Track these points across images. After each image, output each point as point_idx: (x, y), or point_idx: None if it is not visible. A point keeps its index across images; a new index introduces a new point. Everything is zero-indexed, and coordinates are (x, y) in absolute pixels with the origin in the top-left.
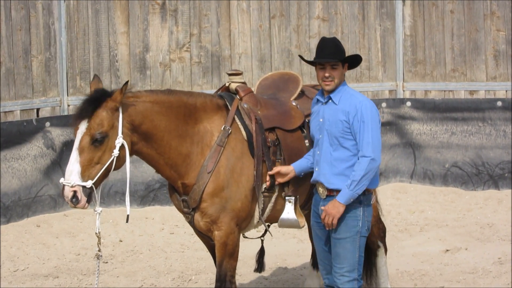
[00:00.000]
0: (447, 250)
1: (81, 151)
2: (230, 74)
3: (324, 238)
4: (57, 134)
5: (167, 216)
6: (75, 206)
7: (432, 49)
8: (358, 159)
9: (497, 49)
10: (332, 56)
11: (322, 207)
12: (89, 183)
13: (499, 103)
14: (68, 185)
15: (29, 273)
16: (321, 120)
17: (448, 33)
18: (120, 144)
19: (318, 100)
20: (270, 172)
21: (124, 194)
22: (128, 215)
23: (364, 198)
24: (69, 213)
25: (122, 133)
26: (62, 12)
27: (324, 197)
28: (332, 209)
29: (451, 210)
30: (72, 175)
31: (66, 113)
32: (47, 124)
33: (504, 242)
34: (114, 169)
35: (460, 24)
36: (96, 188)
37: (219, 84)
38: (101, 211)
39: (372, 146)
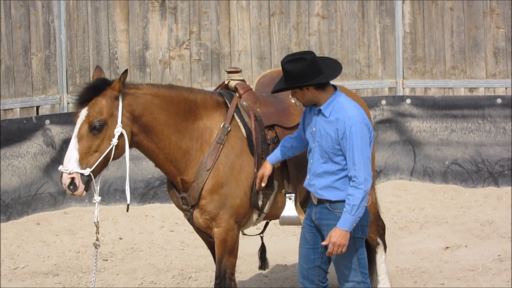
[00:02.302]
0: (447, 248)
1: (80, 138)
2: (229, 72)
3: (311, 243)
4: (57, 132)
5: (167, 214)
6: (72, 193)
7: (432, 46)
8: (351, 179)
9: (497, 46)
10: (279, 85)
11: (328, 240)
12: (87, 171)
13: (499, 100)
14: (66, 172)
15: (29, 271)
16: (314, 129)
17: (448, 30)
18: (119, 133)
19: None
20: (262, 184)
21: (124, 191)
22: (128, 205)
23: None
24: (69, 211)
25: (122, 123)
26: (61, 10)
27: (316, 203)
28: (341, 239)
29: (451, 207)
30: (70, 162)
31: (66, 111)
32: (47, 122)
33: (504, 239)
34: (113, 159)
35: (460, 21)
36: (94, 177)
37: (218, 82)
38: (99, 200)
39: (364, 166)
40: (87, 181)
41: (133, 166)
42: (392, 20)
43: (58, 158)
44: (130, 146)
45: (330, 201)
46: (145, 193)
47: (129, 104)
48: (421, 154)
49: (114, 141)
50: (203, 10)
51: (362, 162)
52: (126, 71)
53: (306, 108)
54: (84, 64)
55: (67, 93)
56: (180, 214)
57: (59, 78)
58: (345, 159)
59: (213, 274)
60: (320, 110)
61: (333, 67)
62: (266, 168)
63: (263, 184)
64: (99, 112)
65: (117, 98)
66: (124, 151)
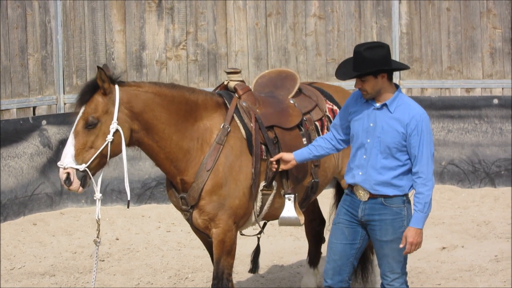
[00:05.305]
0: (444, 248)
1: (76, 134)
2: (228, 73)
3: (350, 238)
4: (54, 132)
5: (164, 214)
6: (68, 188)
7: (429, 46)
8: (415, 174)
9: (494, 47)
10: (353, 69)
11: (404, 242)
12: (82, 167)
13: (496, 101)
14: (61, 167)
15: (25, 272)
16: (371, 124)
17: (445, 30)
18: (114, 129)
19: (366, 100)
20: (272, 159)
21: (120, 192)
22: (128, 201)
23: (407, 198)
24: (65, 212)
25: (119, 119)
26: (58, 10)
27: (366, 199)
28: (417, 238)
29: (447, 207)
30: (66, 157)
31: (62, 111)
32: (44, 122)
33: (501, 239)
34: (110, 156)
35: (457, 21)
36: (93, 174)
37: (215, 82)
38: (101, 196)
39: (431, 162)
40: (84, 176)
41: (129, 166)
42: (388, 21)
43: (55, 158)
44: (131, 144)
45: (385, 196)
46: (141, 194)
47: (128, 101)
48: None
49: (109, 137)
50: (199, 10)
51: (430, 158)
52: (98, 67)
53: (348, 105)
54: (81, 64)
55: (64, 93)
56: (177, 214)
57: (56, 79)
58: (406, 154)
59: (210, 275)
60: (385, 104)
61: (396, 61)
62: (288, 154)
63: (273, 168)
64: (94, 109)
65: (106, 94)
66: (121, 148)
